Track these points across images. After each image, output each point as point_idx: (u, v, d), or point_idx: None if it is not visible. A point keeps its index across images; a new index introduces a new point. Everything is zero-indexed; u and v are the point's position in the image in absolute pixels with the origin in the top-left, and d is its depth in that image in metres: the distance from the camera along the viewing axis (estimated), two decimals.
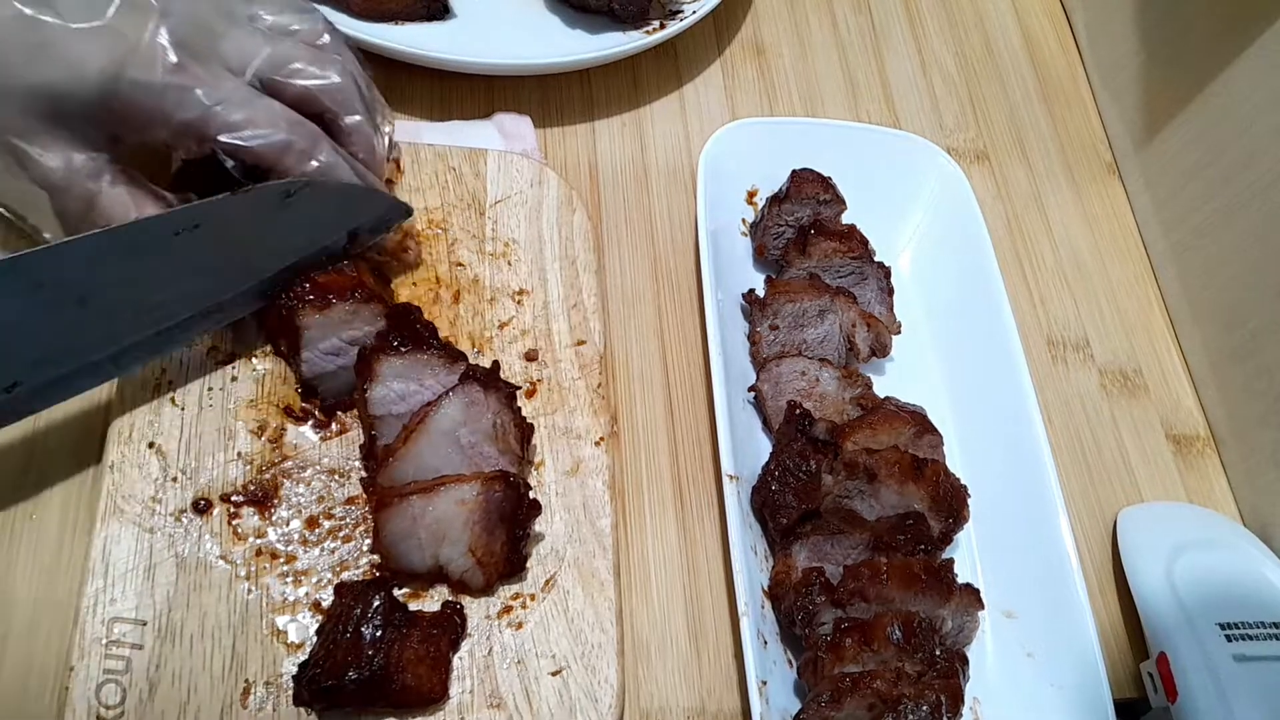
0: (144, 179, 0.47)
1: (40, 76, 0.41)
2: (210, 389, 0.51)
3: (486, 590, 0.48)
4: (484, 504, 0.47)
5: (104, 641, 0.44)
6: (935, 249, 0.66)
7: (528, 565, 0.49)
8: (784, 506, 0.53)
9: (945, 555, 0.55)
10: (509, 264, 0.58)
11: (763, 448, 0.57)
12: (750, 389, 0.59)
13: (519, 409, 0.51)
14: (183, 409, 0.50)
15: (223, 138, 0.45)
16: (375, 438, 0.49)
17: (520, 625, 0.48)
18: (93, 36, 0.42)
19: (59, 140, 0.43)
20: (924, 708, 0.46)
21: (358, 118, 0.50)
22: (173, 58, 0.43)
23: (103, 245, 0.44)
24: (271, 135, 0.46)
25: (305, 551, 0.48)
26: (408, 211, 0.54)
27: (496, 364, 0.51)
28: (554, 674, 0.47)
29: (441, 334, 0.54)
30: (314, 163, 0.47)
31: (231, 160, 0.46)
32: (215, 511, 0.48)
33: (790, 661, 0.51)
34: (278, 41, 0.48)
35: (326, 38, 0.50)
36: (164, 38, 0.43)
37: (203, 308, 0.48)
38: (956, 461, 0.58)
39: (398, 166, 0.58)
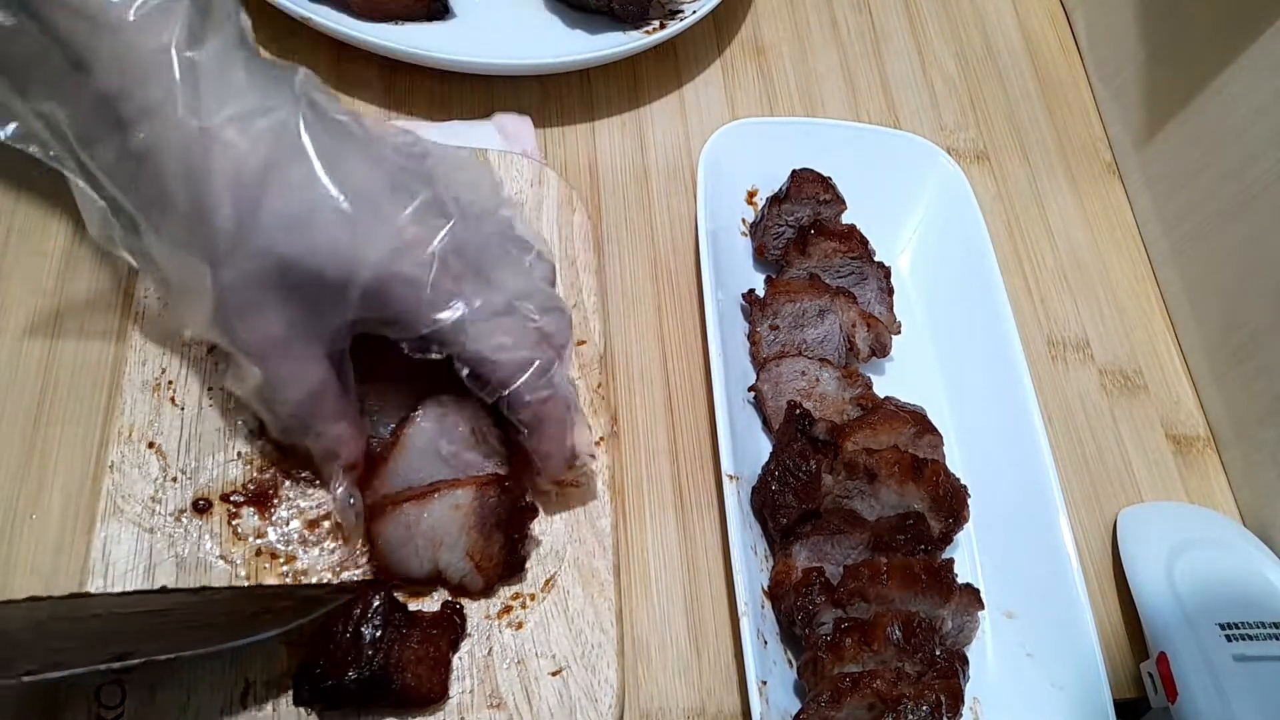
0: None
1: (317, 251, 0.41)
2: (210, 389, 0.51)
3: (486, 592, 0.48)
4: (479, 509, 0.46)
5: None
6: (935, 249, 0.66)
7: (527, 566, 0.49)
8: (784, 506, 0.53)
9: (945, 555, 0.55)
10: None
11: (763, 448, 0.57)
12: (750, 389, 0.59)
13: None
14: (183, 409, 0.50)
15: (471, 348, 0.44)
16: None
17: (520, 625, 0.48)
18: (383, 225, 0.42)
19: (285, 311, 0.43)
20: (924, 708, 0.46)
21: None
22: (447, 262, 0.43)
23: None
24: (517, 352, 0.45)
25: (305, 552, 0.48)
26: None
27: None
28: (554, 674, 0.47)
29: None
30: (545, 383, 0.45)
31: (467, 370, 0.45)
32: (215, 511, 0.48)
33: (790, 661, 0.51)
34: (542, 288, 0.47)
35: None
36: (446, 244, 0.43)
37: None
38: (956, 461, 0.58)
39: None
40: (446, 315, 0.43)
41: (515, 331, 0.45)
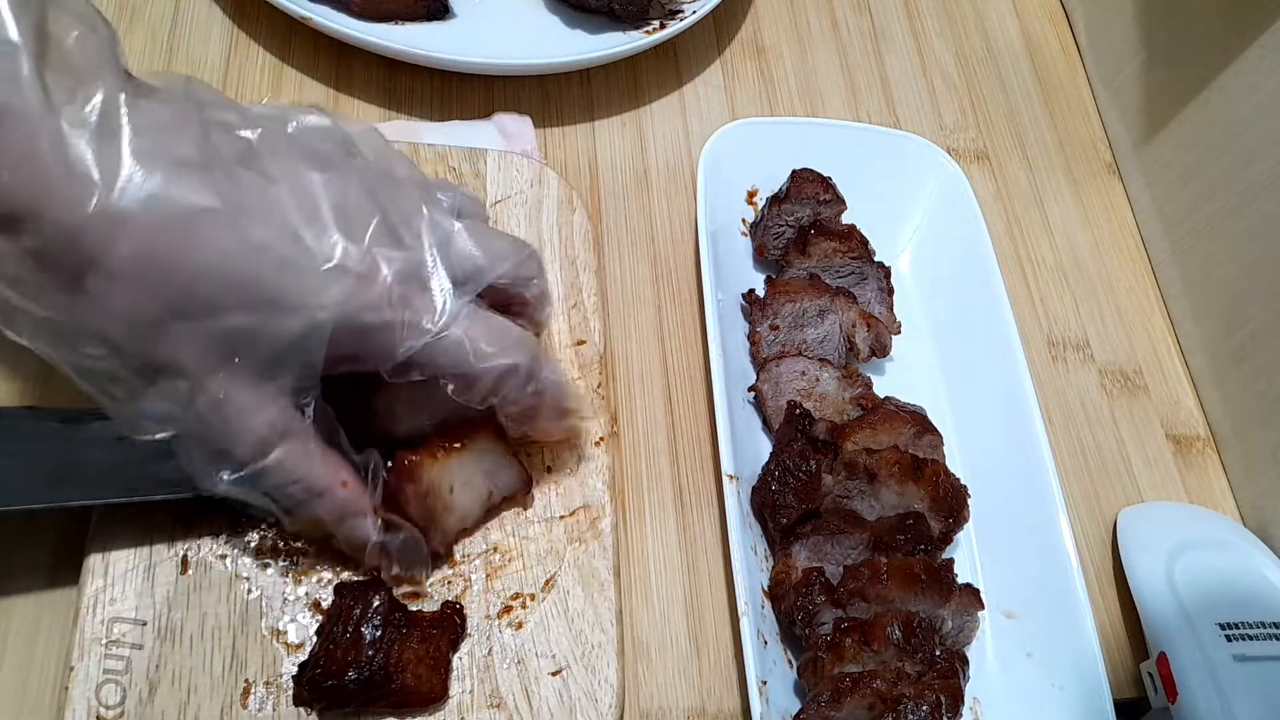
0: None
1: (266, 306, 0.38)
2: None
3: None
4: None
5: (104, 641, 0.44)
6: (935, 249, 0.66)
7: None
8: (784, 506, 0.53)
9: (945, 555, 0.55)
10: None
11: (763, 448, 0.57)
12: (750, 389, 0.59)
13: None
14: None
15: (450, 365, 0.42)
16: None
17: (520, 625, 0.48)
18: (337, 274, 0.39)
19: (250, 382, 0.39)
20: (924, 708, 0.46)
21: (548, 311, 0.48)
22: (399, 290, 0.40)
23: None
24: (497, 360, 0.42)
25: (305, 550, 0.48)
26: None
27: None
28: (554, 674, 0.47)
29: None
30: (533, 386, 0.44)
31: (452, 386, 0.43)
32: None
33: (790, 661, 0.51)
34: (480, 236, 0.44)
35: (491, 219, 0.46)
36: (399, 264, 0.40)
37: None
38: (956, 461, 0.58)
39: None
40: (418, 340, 0.41)
41: (490, 333, 0.42)
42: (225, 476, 0.41)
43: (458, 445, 0.47)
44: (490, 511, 0.50)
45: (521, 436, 0.49)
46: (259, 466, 0.41)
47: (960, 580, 0.52)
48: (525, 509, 0.51)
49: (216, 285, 0.37)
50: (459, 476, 0.47)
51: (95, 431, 0.45)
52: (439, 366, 0.42)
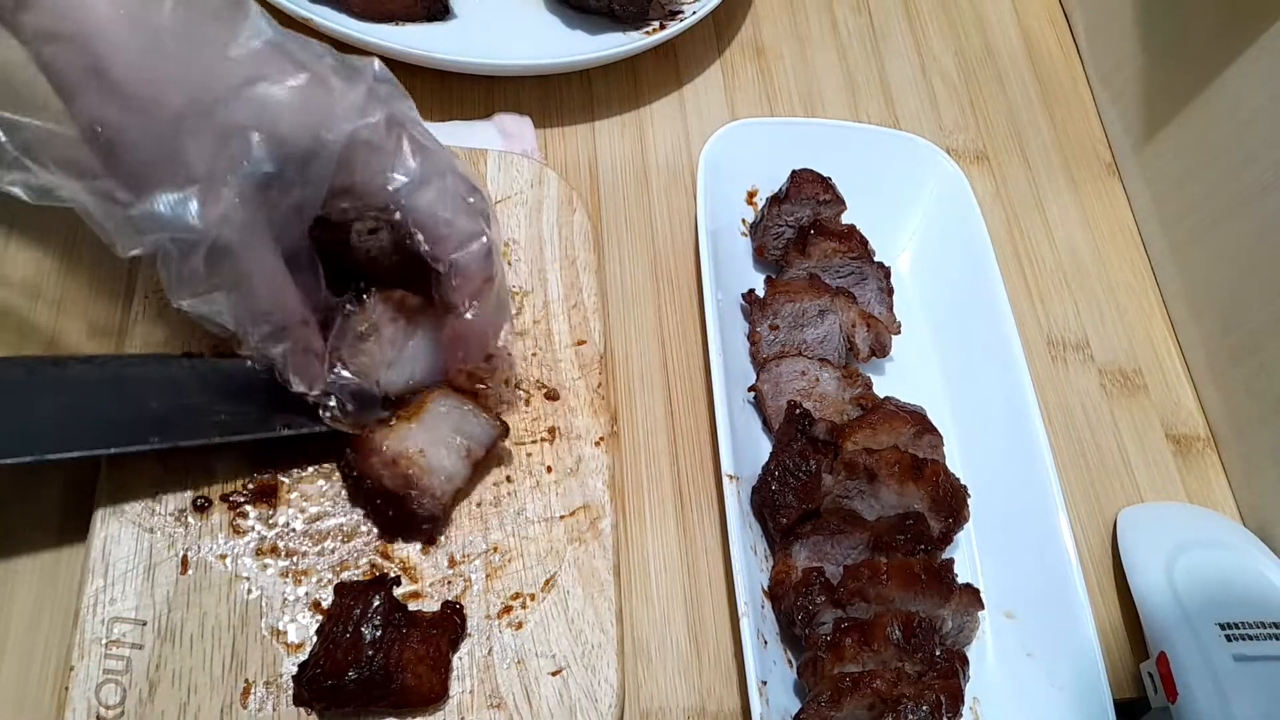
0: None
1: (285, 118, 0.41)
2: None
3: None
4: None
5: (104, 641, 0.44)
6: (935, 249, 0.66)
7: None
8: (784, 506, 0.53)
9: (945, 555, 0.55)
10: (509, 264, 0.58)
11: (763, 448, 0.57)
12: (750, 389, 0.59)
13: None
14: None
15: (427, 211, 0.45)
16: None
17: (520, 625, 0.48)
18: (336, 96, 0.43)
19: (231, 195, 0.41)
20: (924, 708, 0.46)
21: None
22: (394, 130, 0.44)
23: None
24: (470, 223, 0.46)
25: (305, 551, 0.48)
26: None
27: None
28: (554, 674, 0.47)
29: None
30: (490, 269, 0.47)
31: (421, 235, 0.45)
32: (215, 510, 0.48)
33: (790, 661, 0.51)
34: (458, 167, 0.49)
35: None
36: (389, 114, 0.44)
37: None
38: (956, 461, 0.58)
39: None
40: (403, 176, 0.44)
41: (460, 204, 0.46)
42: (198, 292, 0.42)
43: (411, 411, 0.48)
44: (479, 468, 0.50)
45: (453, 343, 0.49)
46: (237, 290, 0.43)
47: (960, 580, 0.52)
48: (505, 463, 0.52)
49: (234, 80, 0.40)
50: (424, 438, 0.48)
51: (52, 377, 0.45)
52: (419, 211, 0.45)
